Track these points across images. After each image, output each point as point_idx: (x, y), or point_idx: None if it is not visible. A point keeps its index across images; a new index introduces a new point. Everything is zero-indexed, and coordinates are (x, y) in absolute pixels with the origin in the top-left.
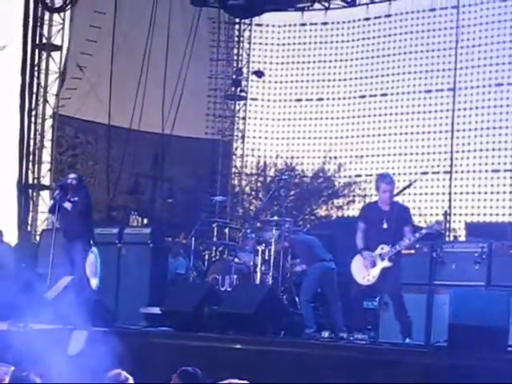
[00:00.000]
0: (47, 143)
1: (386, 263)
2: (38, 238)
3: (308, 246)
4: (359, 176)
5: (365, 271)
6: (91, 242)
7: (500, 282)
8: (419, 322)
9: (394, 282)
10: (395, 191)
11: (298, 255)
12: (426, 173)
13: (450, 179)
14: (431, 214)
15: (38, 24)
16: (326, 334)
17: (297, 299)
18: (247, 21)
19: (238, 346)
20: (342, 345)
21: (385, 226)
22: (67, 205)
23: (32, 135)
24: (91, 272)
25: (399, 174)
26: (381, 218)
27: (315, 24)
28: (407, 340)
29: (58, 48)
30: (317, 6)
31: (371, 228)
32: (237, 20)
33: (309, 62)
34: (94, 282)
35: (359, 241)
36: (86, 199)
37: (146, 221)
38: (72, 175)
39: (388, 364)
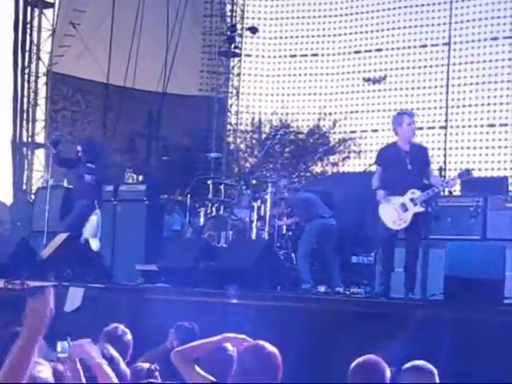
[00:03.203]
0: (41, 101)
1: (419, 208)
2: (33, 196)
3: (306, 204)
4: (354, 132)
5: (396, 215)
6: (96, 202)
7: (495, 235)
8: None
9: (416, 232)
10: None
11: (296, 213)
12: (421, 128)
13: (445, 134)
14: None
15: None
16: (322, 288)
17: (293, 255)
18: None
19: (235, 301)
20: (339, 299)
21: (409, 167)
22: (87, 178)
23: (26, 93)
24: (91, 233)
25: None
26: (403, 159)
27: None
28: (410, 294)
29: (51, 5)
30: None
31: (394, 170)
32: None
33: (303, 18)
34: (94, 244)
35: (374, 182)
36: (100, 168)
37: (141, 178)
38: (78, 147)
39: (384, 317)
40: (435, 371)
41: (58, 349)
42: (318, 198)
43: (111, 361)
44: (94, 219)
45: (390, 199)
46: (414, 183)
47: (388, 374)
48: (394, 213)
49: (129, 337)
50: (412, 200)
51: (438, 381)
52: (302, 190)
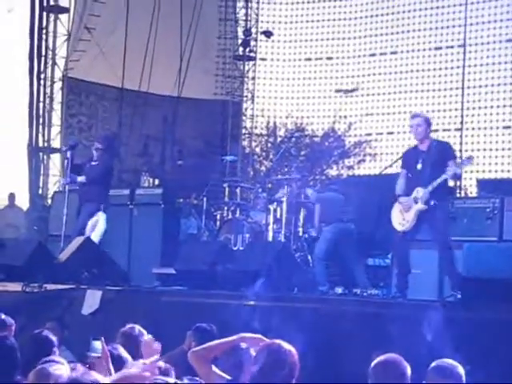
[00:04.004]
0: (57, 106)
1: (420, 206)
2: (49, 200)
3: (327, 205)
4: (369, 135)
5: (400, 216)
6: (101, 207)
7: None
8: (432, 278)
9: (437, 230)
10: (426, 127)
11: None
12: (436, 130)
13: (461, 136)
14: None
15: None
16: (339, 290)
17: (309, 257)
18: None
19: (252, 303)
20: (356, 300)
21: (419, 166)
22: (80, 179)
23: (41, 98)
24: (89, 230)
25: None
26: (416, 159)
27: None
28: (458, 296)
29: (66, 10)
30: None
31: (409, 172)
32: None
33: (318, 21)
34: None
35: (397, 187)
36: (103, 165)
37: (157, 182)
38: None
39: (402, 318)
40: (462, 371)
41: (92, 348)
42: (343, 200)
43: (119, 360)
44: (94, 220)
45: (399, 201)
46: (422, 182)
47: (409, 372)
48: (399, 214)
49: (145, 337)
50: (415, 199)
51: (464, 381)
52: (328, 189)
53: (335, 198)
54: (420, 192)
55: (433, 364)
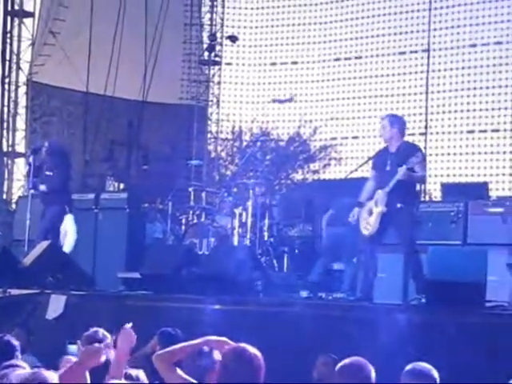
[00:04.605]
0: (21, 110)
1: (379, 208)
2: (14, 205)
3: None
4: (335, 139)
5: (364, 220)
6: (66, 208)
7: (476, 240)
8: (396, 281)
9: (402, 234)
10: (391, 129)
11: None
12: None
13: (425, 140)
14: None
15: None
16: (304, 293)
17: (274, 261)
18: None
19: (218, 307)
20: (321, 303)
21: (388, 168)
22: (42, 188)
23: (6, 103)
24: (62, 236)
25: (374, 136)
26: (385, 161)
27: None
28: (422, 299)
29: (30, 14)
30: None
31: (379, 173)
32: None
33: (283, 26)
34: (67, 245)
35: (363, 191)
36: (60, 173)
37: (122, 186)
38: (45, 144)
39: (367, 321)
40: (436, 374)
41: (69, 352)
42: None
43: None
44: (65, 226)
45: (365, 204)
46: (386, 184)
47: (373, 375)
48: (363, 218)
49: (109, 341)
50: (376, 201)
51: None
52: None
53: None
54: (380, 194)
55: (408, 366)
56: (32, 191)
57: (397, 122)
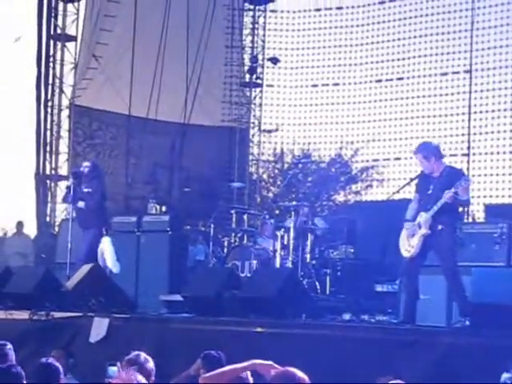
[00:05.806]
0: (64, 134)
1: (423, 231)
2: (56, 228)
3: None
4: (376, 160)
5: (406, 242)
6: (104, 231)
7: None
8: (439, 303)
9: (443, 256)
10: (428, 160)
11: None
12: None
13: (468, 162)
14: None
15: (53, 15)
16: (347, 316)
17: (317, 283)
18: (262, 7)
19: (260, 330)
20: (364, 326)
21: (430, 192)
22: (81, 204)
23: (49, 126)
24: (102, 260)
25: None
26: (429, 184)
27: (330, 9)
28: (466, 322)
29: (73, 38)
30: None
31: (421, 196)
32: (251, 6)
33: (324, 47)
34: (115, 268)
35: (408, 212)
36: (98, 192)
37: (164, 209)
38: (86, 163)
39: (410, 344)
40: None
41: (108, 374)
42: None
43: None
44: (101, 247)
45: (405, 226)
46: (429, 207)
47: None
48: (405, 240)
49: (151, 364)
50: (419, 224)
51: None
52: None
53: None
54: (423, 216)
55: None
56: (70, 209)
57: (430, 152)
